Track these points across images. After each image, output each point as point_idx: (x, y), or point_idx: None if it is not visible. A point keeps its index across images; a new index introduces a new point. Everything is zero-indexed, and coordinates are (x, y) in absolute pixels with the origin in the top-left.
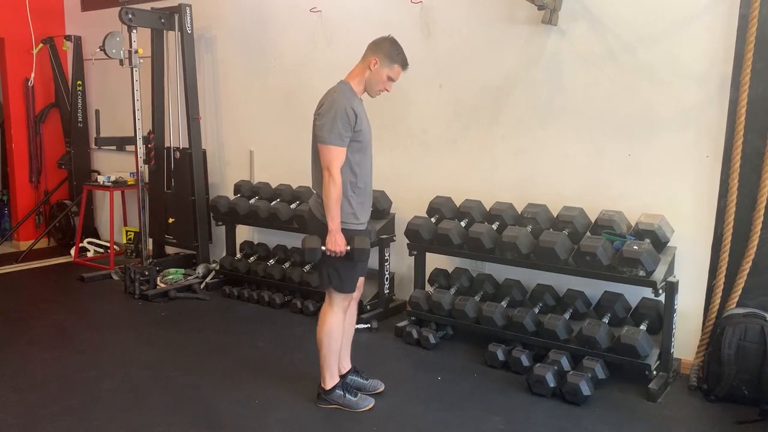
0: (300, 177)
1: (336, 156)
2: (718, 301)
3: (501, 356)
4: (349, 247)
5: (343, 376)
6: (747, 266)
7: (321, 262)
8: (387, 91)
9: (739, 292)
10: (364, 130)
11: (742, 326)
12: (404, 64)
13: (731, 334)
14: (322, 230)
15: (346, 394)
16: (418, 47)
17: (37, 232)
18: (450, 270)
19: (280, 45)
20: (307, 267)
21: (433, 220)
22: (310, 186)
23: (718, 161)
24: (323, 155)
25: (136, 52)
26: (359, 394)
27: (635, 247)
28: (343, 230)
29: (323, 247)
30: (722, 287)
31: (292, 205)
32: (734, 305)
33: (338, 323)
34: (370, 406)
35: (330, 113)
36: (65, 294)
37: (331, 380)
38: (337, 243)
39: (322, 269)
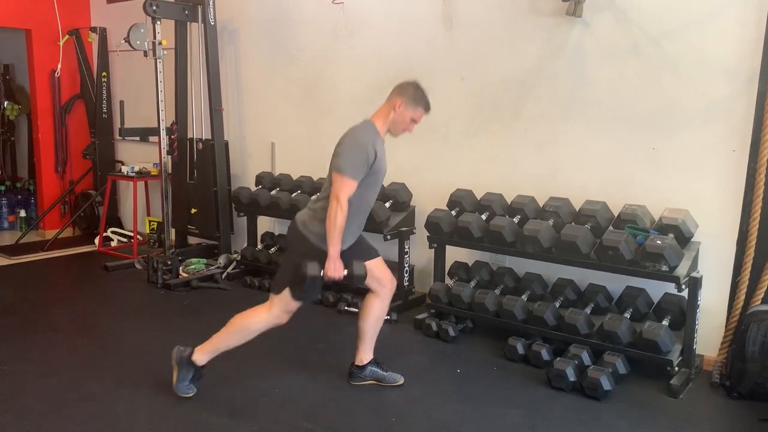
0: (320, 169)
1: (347, 187)
2: (742, 297)
3: (521, 350)
4: (346, 272)
5: (362, 367)
6: None
7: (285, 270)
8: (409, 131)
9: (765, 289)
10: (380, 171)
11: (767, 323)
12: (427, 108)
13: (756, 330)
14: (307, 250)
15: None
16: (441, 39)
17: (63, 221)
18: (470, 263)
19: (303, 37)
20: None
21: (453, 213)
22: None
23: (745, 155)
24: (335, 183)
25: (160, 43)
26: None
27: (658, 241)
28: (316, 248)
29: (321, 273)
30: (747, 283)
31: (313, 197)
32: (759, 302)
33: (264, 326)
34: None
35: (351, 146)
36: (89, 282)
37: (202, 358)
38: (336, 269)
39: (285, 276)
